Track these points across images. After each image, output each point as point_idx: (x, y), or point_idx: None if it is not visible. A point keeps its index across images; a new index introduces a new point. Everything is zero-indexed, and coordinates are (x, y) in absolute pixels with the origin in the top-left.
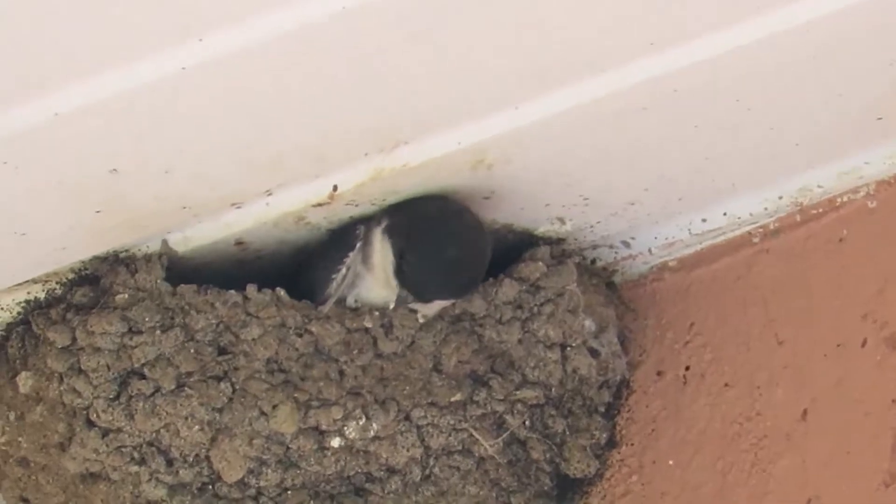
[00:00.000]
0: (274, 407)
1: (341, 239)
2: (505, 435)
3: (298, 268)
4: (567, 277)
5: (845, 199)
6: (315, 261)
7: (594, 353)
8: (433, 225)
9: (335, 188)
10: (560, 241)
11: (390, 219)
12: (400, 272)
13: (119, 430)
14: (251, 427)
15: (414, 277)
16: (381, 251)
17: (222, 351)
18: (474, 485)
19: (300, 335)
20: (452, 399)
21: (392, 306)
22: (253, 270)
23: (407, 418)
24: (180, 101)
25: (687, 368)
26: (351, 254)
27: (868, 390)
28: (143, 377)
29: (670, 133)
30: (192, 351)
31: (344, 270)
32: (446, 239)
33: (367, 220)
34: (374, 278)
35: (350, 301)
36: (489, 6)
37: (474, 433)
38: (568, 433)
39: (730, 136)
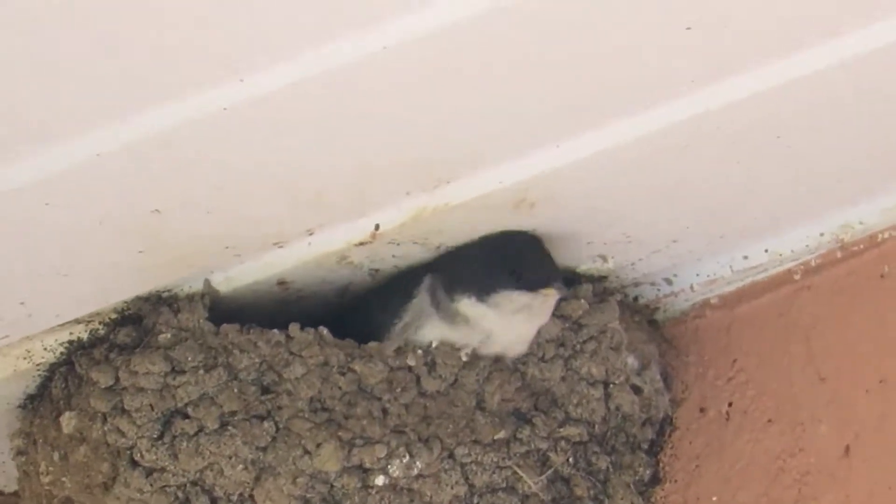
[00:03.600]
0: (318, 445)
1: (402, 286)
2: (549, 472)
3: (344, 307)
4: (609, 315)
5: (887, 235)
6: (369, 304)
7: (637, 390)
8: (502, 246)
9: (377, 227)
10: (602, 278)
11: (464, 282)
12: (512, 280)
13: (163, 469)
14: (295, 466)
15: (532, 269)
16: (488, 315)
17: (265, 390)
18: None
19: (343, 374)
20: (496, 437)
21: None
22: (295, 310)
23: (451, 456)
24: (221, 140)
25: (730, 405)
26: (416, 297)
27: None
28: (186, 416)
29: (712, 170)
30: (235, 390)
31: (407, 318)
32: (520, 242)
33: (434, 272)
34: (458, 329)
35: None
36: (531, 44)
37: (518, 471)
38: (611, 470)
39: (771, 172)
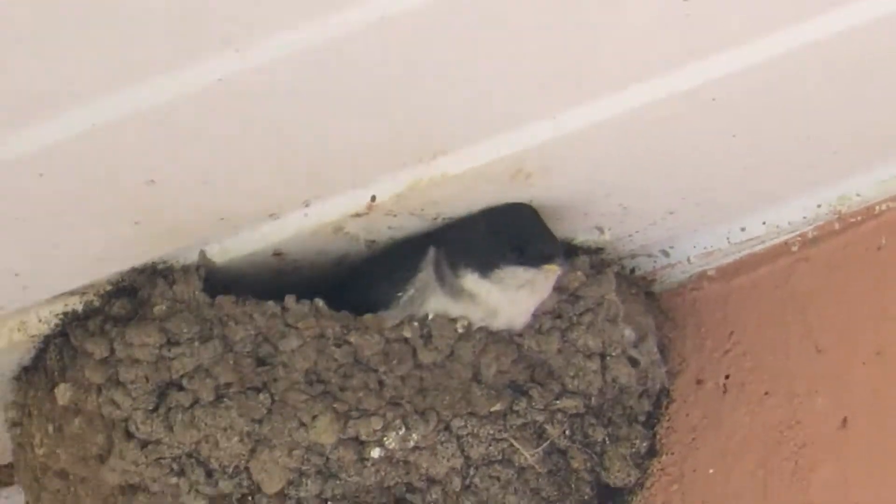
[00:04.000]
0: (313, 418)
1: (405, 258)
2: (545, 444)
3: (340, 278)
4: (606, 287)
5: (884, 206)
6: (368, 276)
7: (634, 362)
8: (503, 220)
9: (373, 199)
10: (599, 250)
11: (467, 256)
12: (515, 255)
13: (158, 441)
14: (291, 438)
15: (535, 245)
16: (492, 290)
17: (261, 362)
18: (514, 494)
19: (339, 346)
20: (492, 409)
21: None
22: (291, 281)
23: (447, 428)
24: (217, 112)
25: (727, 377)
26: (421, 270)
27: None
28: (181, 388)
29: (709, 142)
30: (230, 362)
31: (412, 291)
32: (522, 216)
33: (437, 244)
34: (462, 304)
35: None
36: (528, 16)
37: (514, 443)
38: (608, 442)
39: (768, 144)
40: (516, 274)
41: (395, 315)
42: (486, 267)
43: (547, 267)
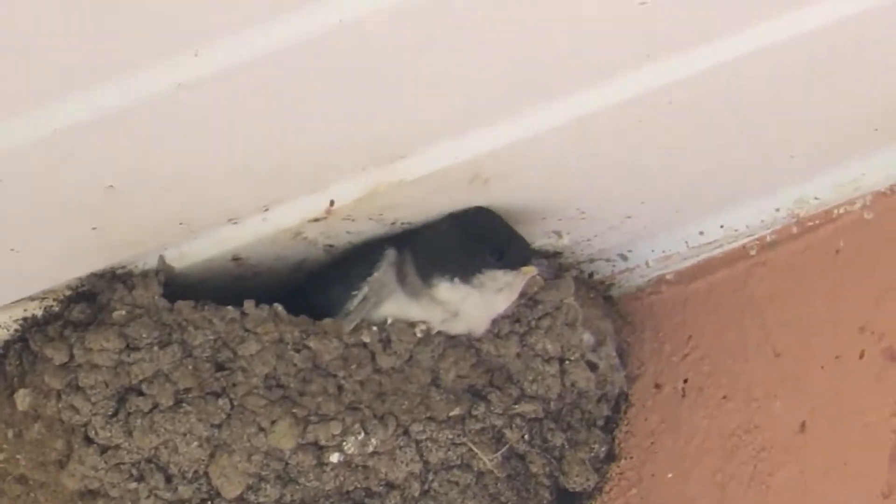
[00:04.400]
0: (272, 423)
1: (362, 259)
2: (504, 449)
3: (299, 283)
4: (565, 291)
5: (842, 210)
6: (326, 279)
7: (592, 366)
8: (475, 225)
9: (332, 203)
10: (557, 254)
11: (443, 264)
12: (495, 259)
13: (117, 446)
14: (250, 443)
15: (513, 248)
16: (469, 295)
17: (220, 367)
18: (473, 499)
19: (298, 350)
20: (451, 413)
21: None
22: (250, 286)
23: (405, 433)
24: (177, 117)
25: (685, 381)
26: (378, 271)
27: (866, 402)
28: (141, 394)
29: (666, 145)
30: (189, 367)
31: (366, 290)
32: (491, 218)
33: (400, 246)
34: (424, 306)
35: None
36: (486, 20)
37: (473, 447)
38: (567, 447)
39: (726, 148)
40: (496, 277)
41: (351, 317)
42: (465, 272)
43: (525, 269)
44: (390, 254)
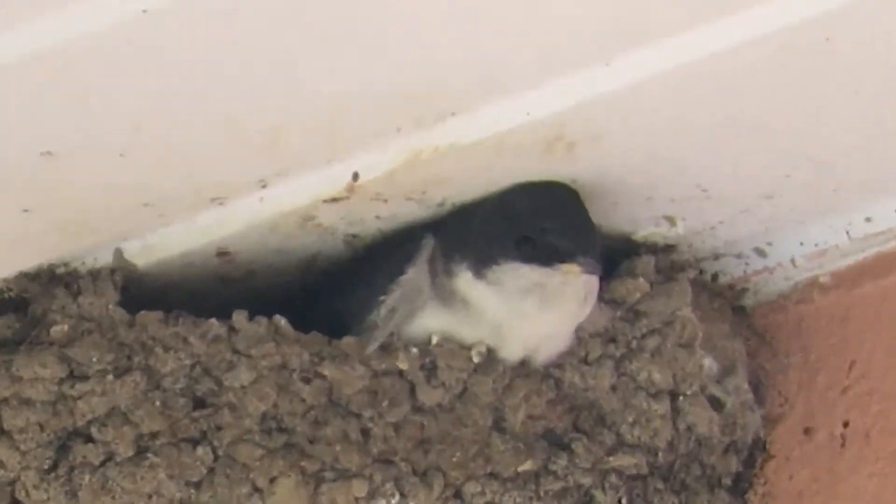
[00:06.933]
0: (272, 480)
1: (392, 252)
2: None
3: (311, 289)
4: (679, 299)
5: None
6: (348, 281)
7: (717, 403)
8: (521, 200)
9: (355, 176)
10: (669, 248)
11: (463, 248)
12: (521, 248)
13: None
14: None
15: (550, 236)
16: (487, 295)
17: (200, 403)
18: None
19: (308, 381)
20: (520, 468)
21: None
22: (242, 291)
23: (457, 496)
24: (139, 51)
25: (845, 425)
26: (410, 269)
27: None
28: (89, 440)
29: (821, 98)
30: (157, 403)
31: (397, 294)
32: (546, 197)
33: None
34: (459, 318)
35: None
36: None
37: None
38: None
39: None
40: (519, 273)
41: (378, 334)
42: (480, 262)
43: (565, 267)
44: (428, 244)
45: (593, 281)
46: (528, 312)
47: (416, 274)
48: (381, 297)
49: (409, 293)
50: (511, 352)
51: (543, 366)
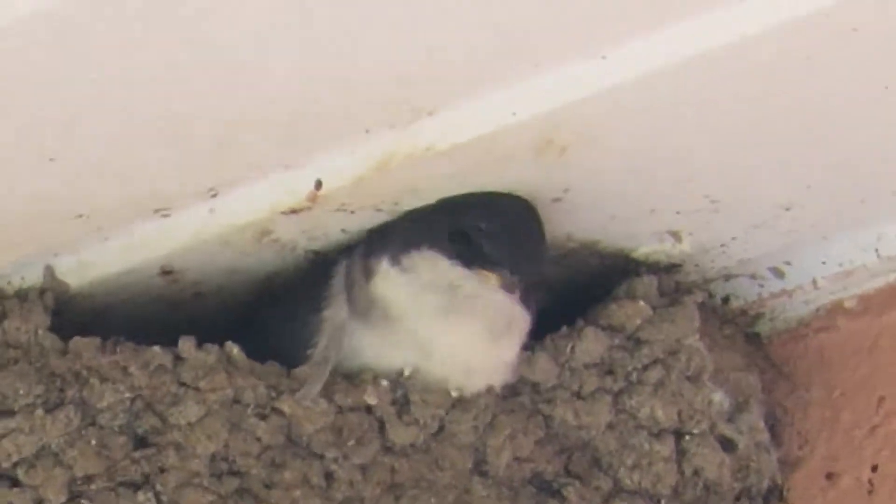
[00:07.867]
0: None
1: (317, 278)
2: None
3: (265, 311)
4: (684, 326)
5: None
6: (287, 306)
7: (728, 444)
8: (468, 199)
9: (318, 185)
10: (674, 267)
11: (387, 241)
12: (452, 242)
13: None
14: None
15: (483, 239)
16: (398, 285)
17: (142, 442)
18: None
19: (264, 417)
20: None
21: (408, 372)
22: (189, 314)
23: None
24: (73, 40)
25: (874, 469)
26: (329, 303)
27: None
28: (15, 484)
29: (844, 95)
30: (93, 442)
31: (324, 327)
32: (497, 204)
33: (349, 250)
34: (381, 333)
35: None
36: None
37: None
38: None
39: None
40: (434, 265)
41: (313, 375)
42: (401, 248)
43: (483, 272)
44: (340, 270)
45: (515, 310)
46: (428, 311)
47: (334, 311)
48: (308, 350)
49: (335, 333)
50: (441, 371)
51: (533, 399)
